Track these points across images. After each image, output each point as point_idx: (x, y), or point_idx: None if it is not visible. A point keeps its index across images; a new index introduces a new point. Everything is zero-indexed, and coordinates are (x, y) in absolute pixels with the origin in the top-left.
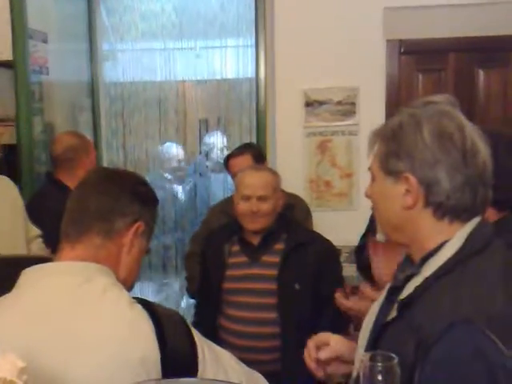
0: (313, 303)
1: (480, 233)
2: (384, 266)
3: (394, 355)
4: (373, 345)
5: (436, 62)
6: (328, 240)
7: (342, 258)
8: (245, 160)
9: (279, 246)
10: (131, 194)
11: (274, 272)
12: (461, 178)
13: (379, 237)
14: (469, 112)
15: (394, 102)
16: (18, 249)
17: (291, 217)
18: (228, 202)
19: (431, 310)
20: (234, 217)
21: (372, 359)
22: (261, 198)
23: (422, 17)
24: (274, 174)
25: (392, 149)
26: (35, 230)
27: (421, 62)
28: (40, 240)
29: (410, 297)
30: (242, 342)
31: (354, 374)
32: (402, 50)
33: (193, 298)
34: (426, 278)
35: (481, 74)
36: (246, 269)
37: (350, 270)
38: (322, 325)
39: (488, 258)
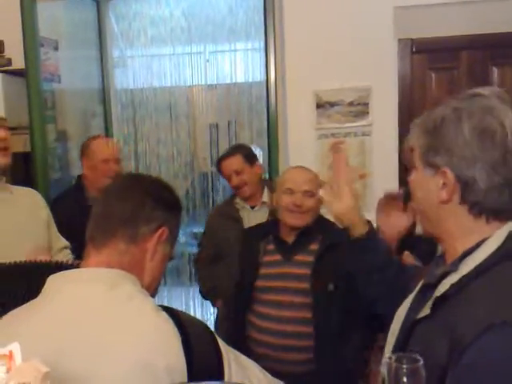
0: (346, 304)
1: None
2: (383, 223)
3: (419, 357)
4: (402, 342)
5: (449, 61)
6: None
7: None
8: (236, 160)
9: (314, 247)
10: (156, 199)
11: (307, 271)
12: (499, 178)
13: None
14: None
15: (407, 101)
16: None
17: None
18: (227, 204)
19: (468, 310)
20: (237, 217)
21: (397, 361)
22: (305, 193)
23: (434, 15)
24: (317, 174)
25: (432, 142)
26: (63, 242)
27: (433, 61)
28: (68, 251)
29: (446, 294)
30: (271, 339)
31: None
32: (414, 49)
33: (205, 298)
34: (463, 276)
35: (494, 71)
36: (279, 267)
37: None
38: (356, 326)
39: None
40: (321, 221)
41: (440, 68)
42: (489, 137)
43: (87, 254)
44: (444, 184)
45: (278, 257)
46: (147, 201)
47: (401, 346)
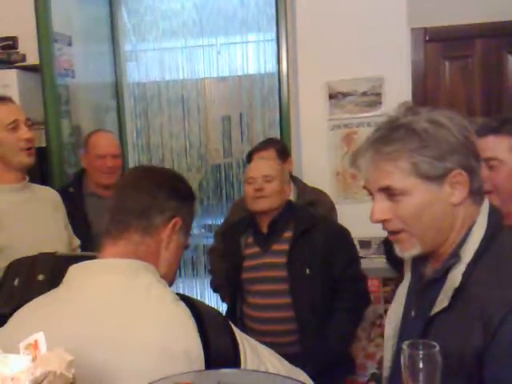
0: (324, 286)
1: (493, 208)
2: None
3: (434, 343)
4: (420, 338)
5: (463, 49)
6: (336, 222)
7: (372, 249)
8: (269, 154)
9: (288, 234)
10: (168, 190)
11: (283, 259)
12: (480, 162)
13: (409, 253)
14: (498, 98)
15: (421, 90)
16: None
17: (315, 212)
18: None
19: (489, 293)
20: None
21: (413, 347)
22: (265, 178)
23: (447, 3)
24: (281, 165)
25: (431, 154)
26: (77, 241)
27: (447, 50)
28: (79, 250)
29: (462, 284)
30: (262, 327)
31: (385, 374)
32: (427, 38)
33: (216, 291)
34: (468, 264)
35: (509, 59)
36: (259, 258)
37: (379, 262)
38: (339, 306)
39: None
40: (291, 208)
41: (454, 57)
42: (468, 131)
43: (103, 247)
44: (454, 186)
45: (256, 249)
46: (160, 192)
47: None
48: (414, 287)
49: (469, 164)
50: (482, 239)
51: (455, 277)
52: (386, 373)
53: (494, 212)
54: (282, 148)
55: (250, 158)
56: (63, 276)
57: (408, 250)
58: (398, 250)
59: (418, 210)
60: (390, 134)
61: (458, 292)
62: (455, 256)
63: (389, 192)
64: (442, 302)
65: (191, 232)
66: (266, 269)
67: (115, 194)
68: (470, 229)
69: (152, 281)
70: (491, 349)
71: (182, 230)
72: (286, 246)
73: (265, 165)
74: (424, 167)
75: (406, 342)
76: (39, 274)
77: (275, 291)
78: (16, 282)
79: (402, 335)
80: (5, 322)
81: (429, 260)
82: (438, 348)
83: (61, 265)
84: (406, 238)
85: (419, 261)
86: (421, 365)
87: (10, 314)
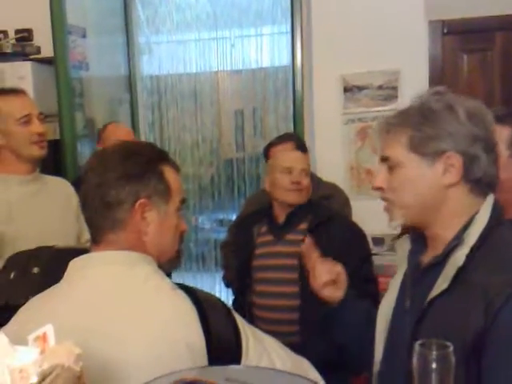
0: None
1: (497, 203)
2: None
3: (448, 343)
4: (416, 326)
5: (481, 42)
6: (353, 221)
7: (385, 246)
8: (288, 147)
9: (303, 226)
10: (117, 179)
11: (297, 249)
12: (494, 155)
13: (393, 224)
14: None
15: (438, 84)
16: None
17: (329, 206)
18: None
19: (492, 274)
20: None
21: (425, 347)
22: (303, 171)
23: None
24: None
25: (429, 132)
26: (87, 234)
27: (465, 43)
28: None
29: (465, 266)
30: (268, 314)
31: (376, 368)
32: (445, 31)
33: (228, 286)
34: (473, 246)
35: None
36: (271, 247)
37: (392, 259)
38: None
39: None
40: (309, 201)
41: (473, 50)
42: (480, 118)
43: (92, 249)
44: (446, 169)
45: (270, 237)
46: (110, 185)
47: (415, 330)
48: (409, 277)
49: (469, 151)
50: (486, 226)
51: (458, 258)
52: (376, 367)
53: (496, 205)
54: (300, 143)
55: (267, 152)
56: (58, 269)
57: (394, 220)
58: (388, 219)
59: (406, 183)
60: (404, 109)
61: (459, 274)
62: (458, 239)
63: (388, 163)
64: (441, 285)
65: (203, 226)
66: (278, 257)
67: (80, 195)
68: (472, 217)
69: (149, 271)
70: (491, 331)
71: (155, 205)
72: (300, 237)
73: (303, 157)
74: (418, 142)
75: (419, 342)
76: (34, 267)
77: (284, 279)
78: (12, 275)
79: (394, 327)
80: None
81: (425, 251)
82: (451, 348)
83: (57, 258)
84: (393, 208)
85: (415, 253)
86: (434, 365)
87: (2, 307)
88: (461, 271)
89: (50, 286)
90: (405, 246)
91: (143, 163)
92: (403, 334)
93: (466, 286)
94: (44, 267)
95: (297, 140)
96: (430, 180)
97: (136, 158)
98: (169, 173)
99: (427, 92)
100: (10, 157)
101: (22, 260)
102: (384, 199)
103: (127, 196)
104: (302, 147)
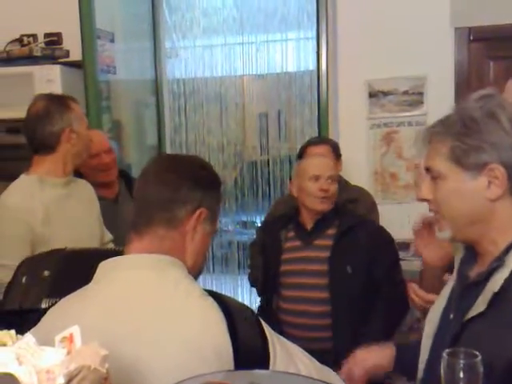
0: (365, 286)
1: None
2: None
3: (477, 352)
4: (453, 341)
5: (508, 49)
6: (381, 225)
7: (410, 252)
8: (325, 150)
9: (331, 231)
10: (191, 181)
11: (326, 254)
12: None
13: (442, 235)
14: None
15: (464, 91)
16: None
17: (355, 210)
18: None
19: None
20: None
21: (454, 356)
22: (330, 178)
23: (492, 2)
24: (335, 163)
25: (471, 143)
26: (109, 235)
27: (492, 49)
28: (112, 245)
29: (503, 290)
30: (295, 319)
31: (420, 375)
32: (472, 38)
33: (253, 285)
34: None
35: None
36: (300, 252)
37: (417, 265)
38: (378, 308)
39: None
40: (336, 206)
41: (499, 56)
42: None
43: (130, 240)
44: (490, 182)
45: (298, 242)
46: (182, 184)
47: (451, 346)
48: (457, 289)
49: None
50: None
51: (496, 281)
52: (420, 374)
53: None
54: (336, 147)
55: (302, 152)
56: (69, 271)
57: (441, 232)
58: (436, 231)
59: (449, 196)
60: (445, 117)
61: (496, 298)
62: (500, 260)
63: (431, 173)
64: (479, 306)
65: (226, 228)
66: (306, 262)
67: (139, 185)
68: None
69: (180, 276)
70: None
71: (207, 220)
72: (329, 242)
73: (329, 164)
74: (459, 154)
75: (447, 350)
76: (45, 271)
77: (313, 285)
78: (24, 279)
79: (438, 336)
80: (13, 318)
81: (475, 263)
82: (479, 358)
83: (67, 260)
84: (440, 220)
85: (466, 263)
86: (461, 374)
87: (16, 311)
88: (498, 295)
89: (61, 288)
90: (459, 252)
91: (214, 178)
92: (444, 345)
93: (502, 310)
94: (54, 270)
95: (333, 145)
96: (473, 193)
97: (211, 171)
98: (219, 199)
99: (471, 97)
100: (58, 160)
101: (33, 264)
102: (431, 210)
103: (194, 199)
104: (336, 152)
